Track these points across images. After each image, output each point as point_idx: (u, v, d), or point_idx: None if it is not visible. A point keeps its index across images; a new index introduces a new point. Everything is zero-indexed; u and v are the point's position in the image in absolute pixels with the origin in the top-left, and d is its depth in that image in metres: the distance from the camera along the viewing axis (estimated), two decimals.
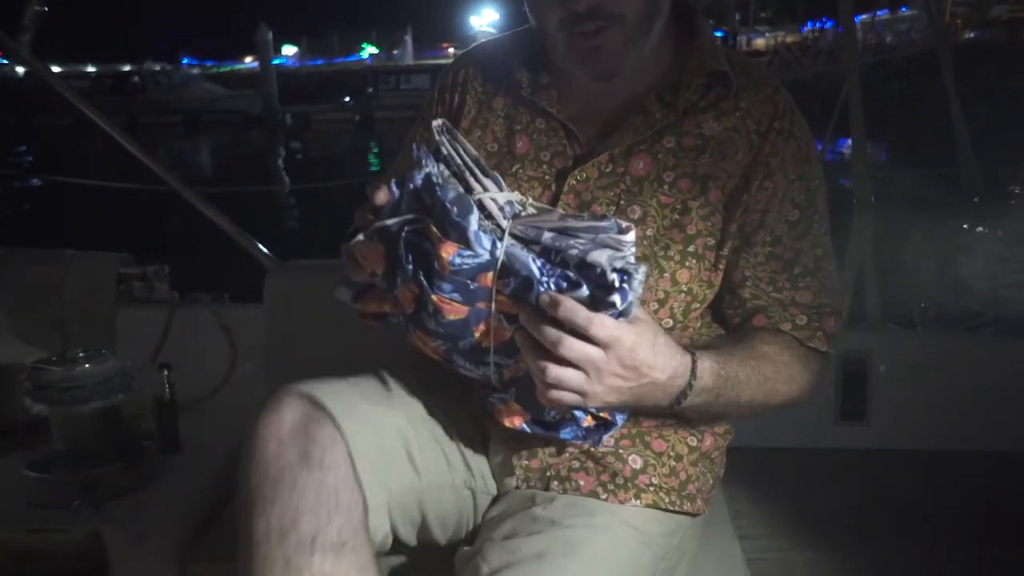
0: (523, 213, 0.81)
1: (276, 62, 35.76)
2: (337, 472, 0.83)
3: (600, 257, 0.74)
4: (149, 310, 1.89)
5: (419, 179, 0.81)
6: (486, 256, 0.77)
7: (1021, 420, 1.71)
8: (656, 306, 0.94)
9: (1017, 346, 1.86)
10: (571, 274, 0.75)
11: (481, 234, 0.77)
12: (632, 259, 0.76)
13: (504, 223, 0.79)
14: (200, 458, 1.52)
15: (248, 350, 1.81)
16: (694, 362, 0.84)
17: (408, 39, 49.05)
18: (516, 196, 0.84)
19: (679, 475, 1.00)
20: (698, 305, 0.97)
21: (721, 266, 0.96)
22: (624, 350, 0.77)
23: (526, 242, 0.78)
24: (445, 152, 0.84)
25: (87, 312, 1.81)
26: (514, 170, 0.99)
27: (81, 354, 1.39)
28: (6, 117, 28.30)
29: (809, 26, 34.65)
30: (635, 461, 0.98)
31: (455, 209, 0.77)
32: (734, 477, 1.40)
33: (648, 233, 0.93)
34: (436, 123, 0.86)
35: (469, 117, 1.03)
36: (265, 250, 2.02)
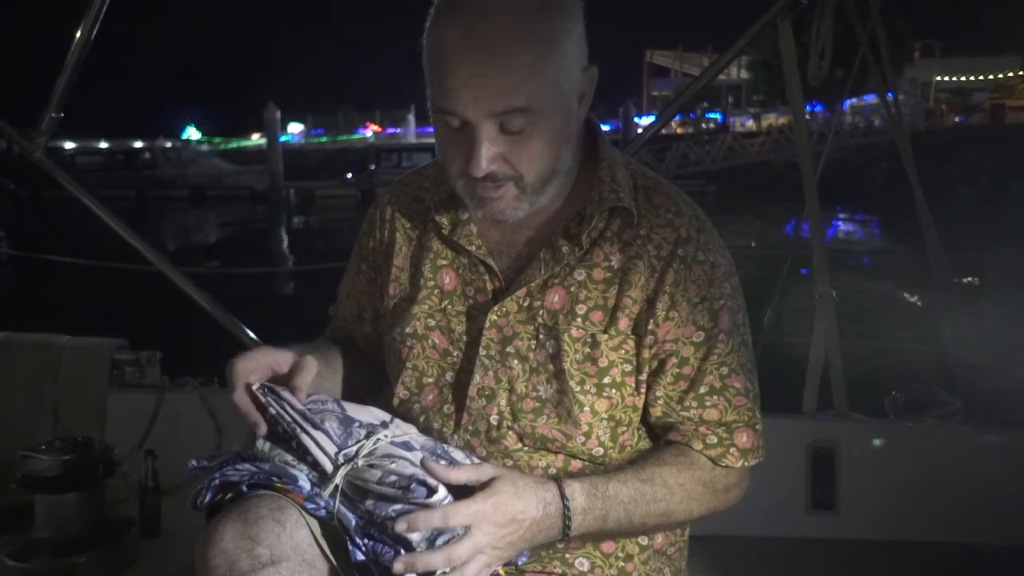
0: (354, 463, 0.89)
1: (282, 139, 36.65)
2: (289, 562, 0.86)
3: (413, 535, 0.84)
4: (140, 394, 1.94)
5: (229, 472, 0.91)
6: (323, 512, 0.88)
7: (989, 511, 1.72)
8: (583, 438, 0.98)
9: (986, 434, 1.88)
10: (388, 540, 0.85)
11: (316, 494, 0.88)
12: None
13: (336, 478, 0.88)
14: (180, 542, 1.55)
15: (234, 434, 1.85)
16: (560, 486, 0.89)
17: (411, 117, 50.42)
18: (354, 445, 0.90)
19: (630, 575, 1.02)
20: (624, 428, 1.01)
21: (642, 390, 1.00)
22: (493, 515, 0.84)
23: (352, 500, 0.88)
24: (273, 412, 0.92)
25: (79, 397, 1.86)
26: (443, 305, 1.03)
27: (69, 442, 1.45)
28: (19, 191, 28.97)
29: None
30: (581, 564, 0.99)
31: (284, 478, 0.89)
32: (702, 565, 1.42)
33: (564, 367, 0.97)
34: (255, 387, 0.93)
35: (401, 254, 1.08)
36: (252, 334, 2.05)
